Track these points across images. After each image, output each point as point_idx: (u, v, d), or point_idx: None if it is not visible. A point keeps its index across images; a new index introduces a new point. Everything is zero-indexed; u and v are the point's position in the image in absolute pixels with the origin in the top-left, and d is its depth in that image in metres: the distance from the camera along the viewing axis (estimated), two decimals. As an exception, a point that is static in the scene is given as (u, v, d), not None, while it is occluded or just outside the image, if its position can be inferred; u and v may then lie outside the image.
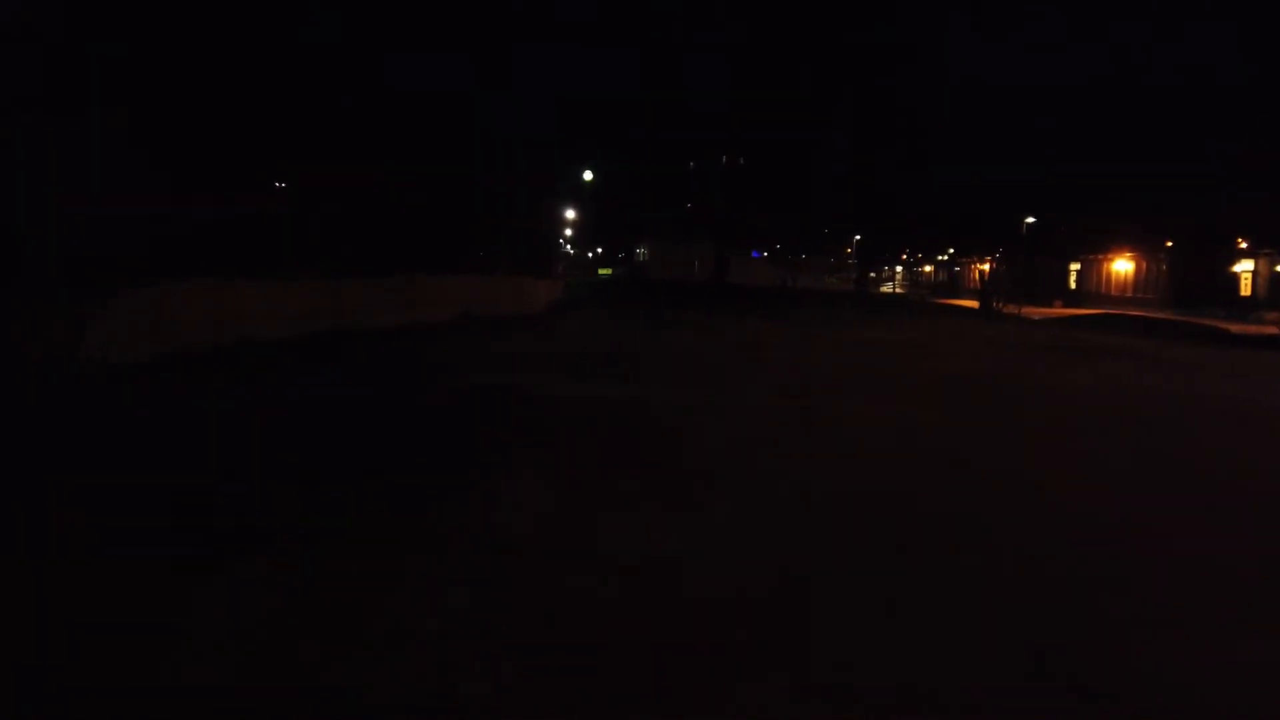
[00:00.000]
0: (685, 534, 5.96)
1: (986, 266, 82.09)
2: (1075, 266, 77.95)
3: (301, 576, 5.05)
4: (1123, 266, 67.53)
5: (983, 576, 5.35)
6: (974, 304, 59.93)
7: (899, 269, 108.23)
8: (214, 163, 21.72)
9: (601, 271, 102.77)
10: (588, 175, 54.73)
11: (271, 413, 10.10)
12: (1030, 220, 59.20)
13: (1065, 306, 64.86)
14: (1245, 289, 59.04)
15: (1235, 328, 34.44)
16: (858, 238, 78.01)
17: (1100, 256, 70.49)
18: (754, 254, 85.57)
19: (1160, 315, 42.40)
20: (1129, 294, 65.72)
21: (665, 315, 28.56)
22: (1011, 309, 40.84)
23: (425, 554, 5.48)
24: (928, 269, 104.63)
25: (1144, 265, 65.73)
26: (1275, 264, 54.96)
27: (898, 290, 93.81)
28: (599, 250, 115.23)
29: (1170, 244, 60.97)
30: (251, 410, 10.18)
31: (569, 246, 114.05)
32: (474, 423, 10.03)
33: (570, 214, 78.47)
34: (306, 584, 4.94)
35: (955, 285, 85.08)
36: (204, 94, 21.53)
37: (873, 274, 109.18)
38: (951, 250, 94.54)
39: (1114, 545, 6.08)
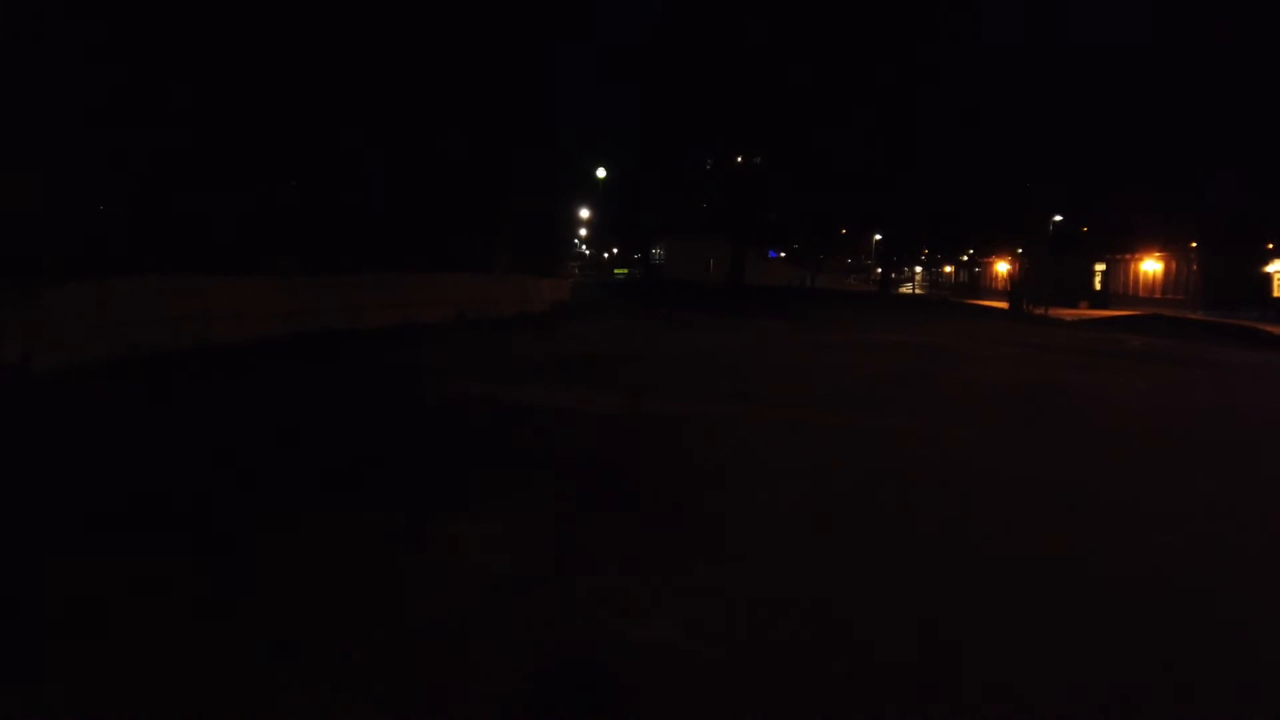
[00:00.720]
0: (708, 630, 4.12)
1: (1007, 266, 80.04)
2: (1100, 267, 75.68)
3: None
4: (1151, 267, 65.24)
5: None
6: (1000, 304, 57.87)
7: (918, 269, 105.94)
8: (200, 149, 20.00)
9: (618, 271, 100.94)
10: (601, 172, 52.94)
11: (181, 434, 8.35)
12: (1058, 219, 56.93)
13: (1091, 307, 62.61)
14: (1277, 290, 56.85)
15: (1275, 329, 32.37)
16: (878, 237, 75.91)
17: (1127, 256, 68.21)
18: (771, 253, 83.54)
19: (1194, 316, 40.28)
20: (1157, 295, 63.41)
21: (678, 316, 26.77)
22: (1040, 310, 38.82)
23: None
24: (948, 269, 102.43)
25: (1173, 265, 63.43)
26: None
27: (917, 291, 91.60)
28: (615, 250, 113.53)
29: (1199, 244, 58.73)
30: (149, 435, 8.43)
31: (585, 246, 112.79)
32: (446, 445, 8.26)
33: (585, 213, 76.88)
34: None
35: (976, 286, 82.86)
36: (187, 71, 19.80)
37: (894, 275, 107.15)
38: (970, 251, 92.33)
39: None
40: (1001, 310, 40.47)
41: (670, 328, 22.52)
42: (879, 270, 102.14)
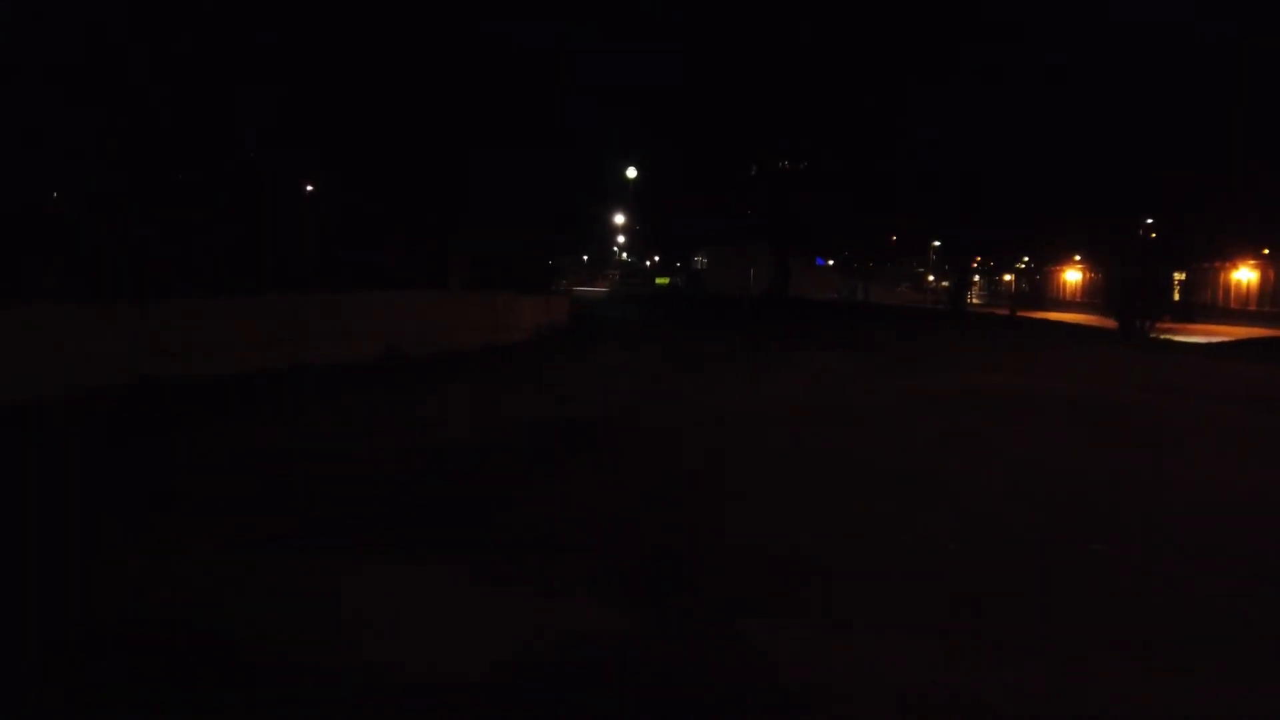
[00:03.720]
0: None
1: (1078, 274, 71.54)
2: (1180, 276, 66.98)
3: None
4: (1246, 275, 56.90)
5: None
6: (1081, 318, 49.79)
7: (976, 278, 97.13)
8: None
9: (659, 281, 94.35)
10: (631, 172, 46.27)
11: None
12: (1150, 221, 48.67)
13: (1175, 321, 54.33)
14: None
15: None
16: (936, 243, 68.07)
17: (1216, 264, 59.66)
18: (819, 261, 76.08)
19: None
20: (1252, 306, 55.26)
21: (704, 344, 19.84)
22: (1154, 331, 31.07)
23: None
24: (1007, 277, 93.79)
25: (1270, 274, 55.23)
26: None
27: (974, 301, 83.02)
28: (656, 258, 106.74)
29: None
30: None
31: (625, 254, 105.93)
32: None
33: (620, 219, 70.24)
34: None
35: (1042, 296, 74.27)
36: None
37: (946, 283, 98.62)
38: (1026, 259, 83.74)
39: None
40: (1105, 330, 32.76)
41: (686, 367, 15.59)
42: (931, 278, 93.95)
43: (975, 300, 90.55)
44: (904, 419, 11.37)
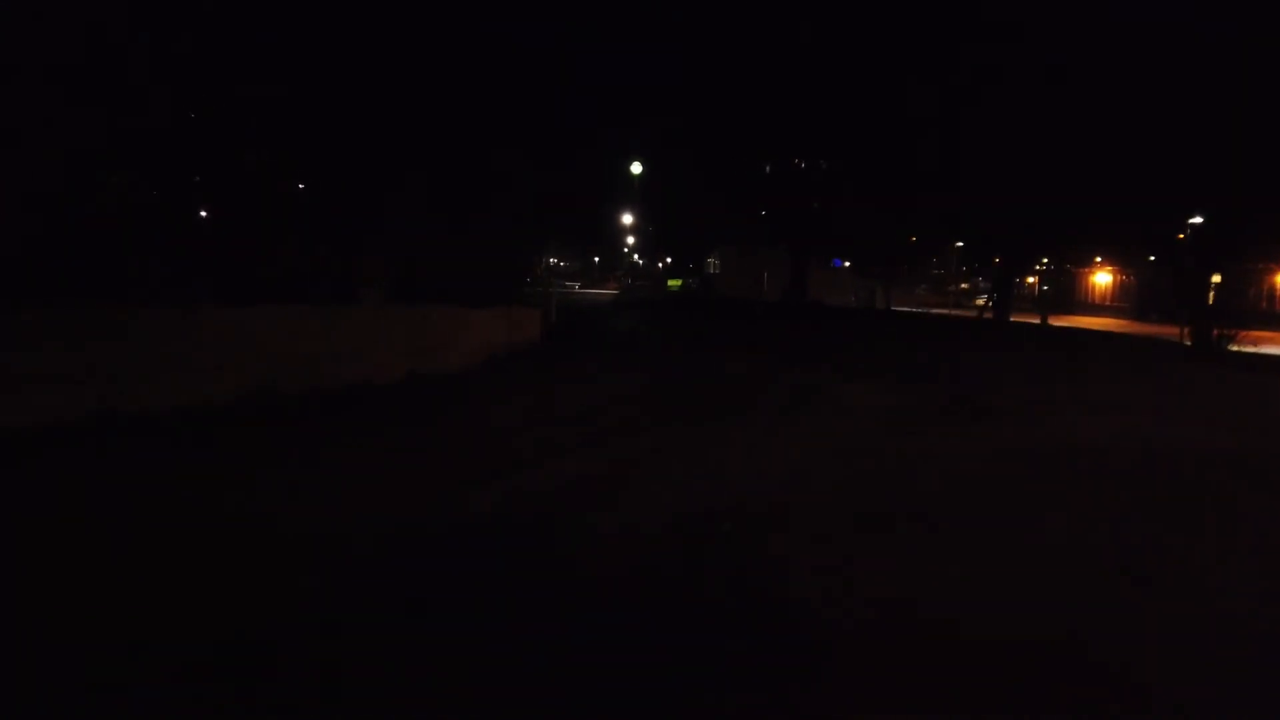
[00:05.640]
0: None
1: (1109, 276, 66.23)
2: (1216, 278, 61.76)
3: None
4: (1295, 275, 51.96)
5: None
6: (1120, 324, 44.84)
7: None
8: None
9: (671, 283, 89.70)
10: (636, 168, 41.85)
11: None
12: (1197, 220, 43.53)
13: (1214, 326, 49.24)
14: None
15: None
16: (959, 244, 63.17)
17: (1261, 265, 54.56)
18: (835, 262, 71.28)
19: None
20: (1305, 310, 50.44)
21: (710, 370, 15.22)
22: (1228, 342, 26.15)
23: None
24: (1029, 280, 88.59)
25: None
26: None
27: (990, 304, 78.10)
28: (669, 260, 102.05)
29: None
30: None
31: (636, 256, 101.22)
32: None
33: (628, 219, 65.71)
34: None
35: (1070, 300, 68.92)
36: None
37: (965, 285, 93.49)
38: (1045, 260, 78.41)
39: None
40: (1164, 341, 27.95)
41: (683, 413, 11.00)
42: (964, 285, 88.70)
43: (980, 303, 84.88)
44: (1024, 517, 6.78)
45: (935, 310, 60.32)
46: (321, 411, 10.20)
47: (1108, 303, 65.48)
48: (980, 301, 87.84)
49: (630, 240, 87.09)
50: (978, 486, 7.83)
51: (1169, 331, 36.56)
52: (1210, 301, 32.31)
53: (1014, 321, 36.03)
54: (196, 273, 11.41)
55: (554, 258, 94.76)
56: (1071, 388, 14.44)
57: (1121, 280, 65.11)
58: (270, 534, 5.90)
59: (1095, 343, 25.71)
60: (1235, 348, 25.61)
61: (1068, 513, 7.05)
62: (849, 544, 6.11)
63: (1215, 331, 25.74)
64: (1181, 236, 62.00)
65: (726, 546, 6.01)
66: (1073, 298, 69.81)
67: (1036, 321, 38.92)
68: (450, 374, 13.16)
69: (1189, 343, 27.12)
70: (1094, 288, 68.87)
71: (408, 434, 9.38)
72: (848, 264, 73.85)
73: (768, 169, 51.83)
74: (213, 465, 7.69)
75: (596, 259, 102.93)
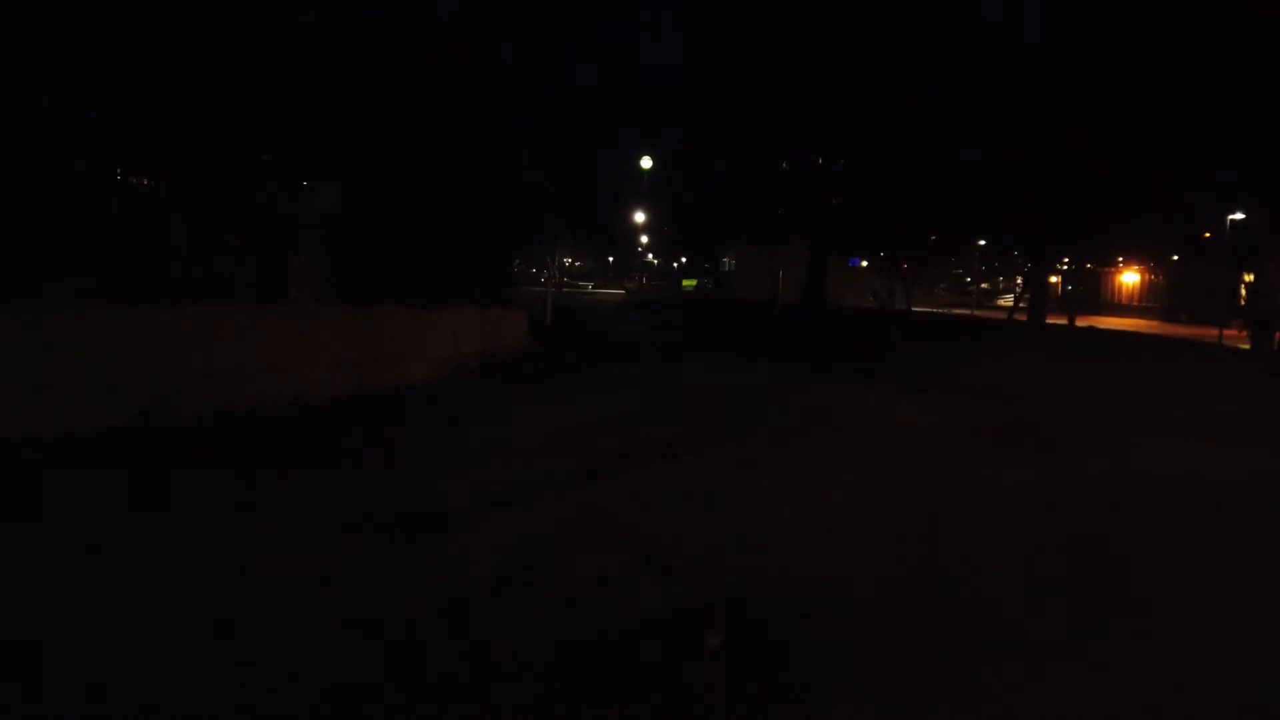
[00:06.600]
0: None
1: (1136, 275, 63.28)
2: (1249, 277, 58.83)
3: None
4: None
5: None
6: (1151, 325, 42.19)
7: (1019, 278, 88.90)
8: None
9: (686, 283, 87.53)
10: (646, 162, 39.77)
11: None
12: (1238, 217, 40.75)
13: (1246, 327, 46.38)
14: None
15: None
16: (982, 242, 60.49)
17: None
18: (853, 261, 68.82)
19: None
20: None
21: (717, 386, 12.95)
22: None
23: None
24: (1052, 279, 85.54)
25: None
26: None
27: (1021, 304, 75.71)
28: (684, 259, 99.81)
29: None
30: None
31: (651, 255, 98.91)
32: None
33: (640, 216, 63.59)
34: None
35: (1094, 299, 65.94)
36: None
37: (985, 285, 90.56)
38: (1066, 260, 75.42)
39: None
40: (1213, 344, 25.48)
41: (681, 446, 8.75)
42: (984, 284, 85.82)
43: (1006, 303, 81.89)
44: (1174, 625, 4.47)
45: (957, 311, 57.77)
46: (226, 440, 8.03)
47: (1135, 303, 62.67)
48: (1004, 301, 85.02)
49: (644, 239, 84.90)
50: (1079, 564, 5.54)
51: (1204, 333, 34.09)
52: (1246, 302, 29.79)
53: (1049, 323, 33.46)
54: (87, 267, 9.24)
55: (568, 258, 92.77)
56: (1132, 404, 12.08)
57: (1150, 280, 62.26)
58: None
59: (1148, 348, 23.15)
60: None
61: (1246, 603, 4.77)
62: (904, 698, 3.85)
63: (1278, 335, 23.23)
64: (1207, 235, 59.25)
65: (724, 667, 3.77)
66: (1098, 298, 66.93)
67: (1064, 322, 36.47)
68: (405, 388, 10.94)
69: (1246, 347, 24.63)
70: (1120, 287, 66.06)
71: (295, 470, 7.19)
72: (865, 263, 71.31)
73: (785, 165, 49.64)
74: None
75: (611, 259, 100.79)
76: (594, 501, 6.66)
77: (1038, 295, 36.26)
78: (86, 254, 9.36)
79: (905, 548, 5.81)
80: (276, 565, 5.08)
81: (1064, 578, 5.34)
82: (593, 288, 78.53)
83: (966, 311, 59.35)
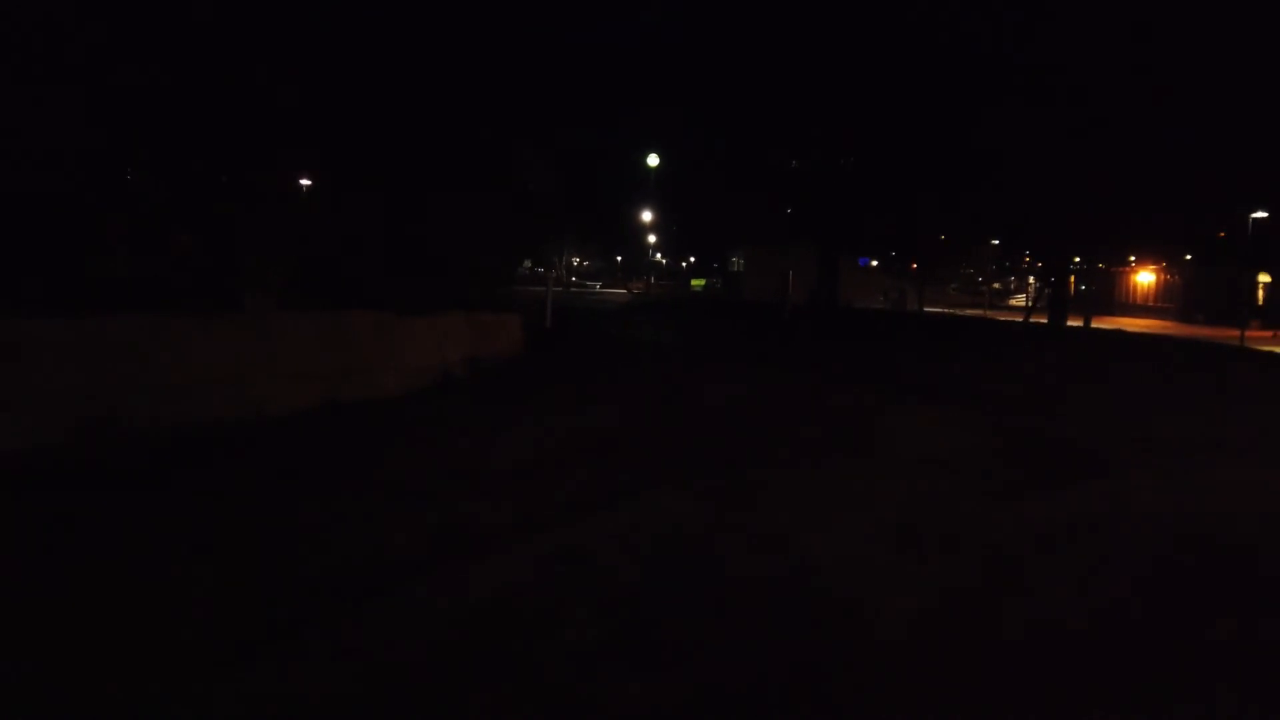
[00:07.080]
0: None
1: (1152, 276, 61.73)
2: (1265, 278, 57.33)
3: None
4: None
5: None
6: (1167, 326, 40.75)
7: (1031, 279, 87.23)
8: None
9: (694, 284, 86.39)
10: (653, 160, 38.68)
11: None
12: (1260, 215, 39.34)
13: (1266, 328, 44.93)
14: None
15: None
16: (995, 241, 59.15)
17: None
18: (862, 261, 67.64)
19: None
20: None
21: (720, 399, 11.78)
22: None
23: None
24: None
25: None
26: None
27: (1038, 305, 74.32)
28: (692, 259, 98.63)
29: None
30: None
31: (659, 254, 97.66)
32: None
33: (647, 216, 62.48)
34: None
35: (1108, 300, 64.35)
36: None
37: (997, 285, 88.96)
38: (1078, 259, 73.79)
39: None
40: (1236, 346, 24.17)
41: (676, 473, 7.64)
42: (997, 284, 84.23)
43: (1019, 303, 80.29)
44: None
45: (969, 311, 56.39)
46: (150, 467, 6.91)
47: (1150, 303, 61.22)
48: (1015, 301, 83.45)
49: (652, 239, 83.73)
50: (1162, 634, 4.38)
51: (1223, 334, 32.77)
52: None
53: (1069, 326, 32.11)
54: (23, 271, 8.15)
55: (575, 257, 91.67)
56: (1209, 418, 10.88)
57: (1165, 280, 60.79)
58: None
59: (1182, 350, 21.82)
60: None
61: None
62: None
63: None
64: (1222, 235, 57.74)
65: None
66: (1111, 298, 65.43)
67: (1079, 324, 35.11)
68: (379, 400, 9.81)
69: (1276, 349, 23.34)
70: (1135, 288, 64.59)
71: (214, 507, 6.06)
72: (875, 263, 69.95)
73: (794, 164, 48.57)
74: None
75: (619, 258, 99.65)
76: (572, 541, 5.53)
77: (1057, 296, 34.80)
78: (15, 257, 8.27)
79: (954, 610, 4.64)
80: (149, 650, 3.93)
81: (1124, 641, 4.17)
82: (601, 287, 77.26)
83: (979, 312, 57.94)
